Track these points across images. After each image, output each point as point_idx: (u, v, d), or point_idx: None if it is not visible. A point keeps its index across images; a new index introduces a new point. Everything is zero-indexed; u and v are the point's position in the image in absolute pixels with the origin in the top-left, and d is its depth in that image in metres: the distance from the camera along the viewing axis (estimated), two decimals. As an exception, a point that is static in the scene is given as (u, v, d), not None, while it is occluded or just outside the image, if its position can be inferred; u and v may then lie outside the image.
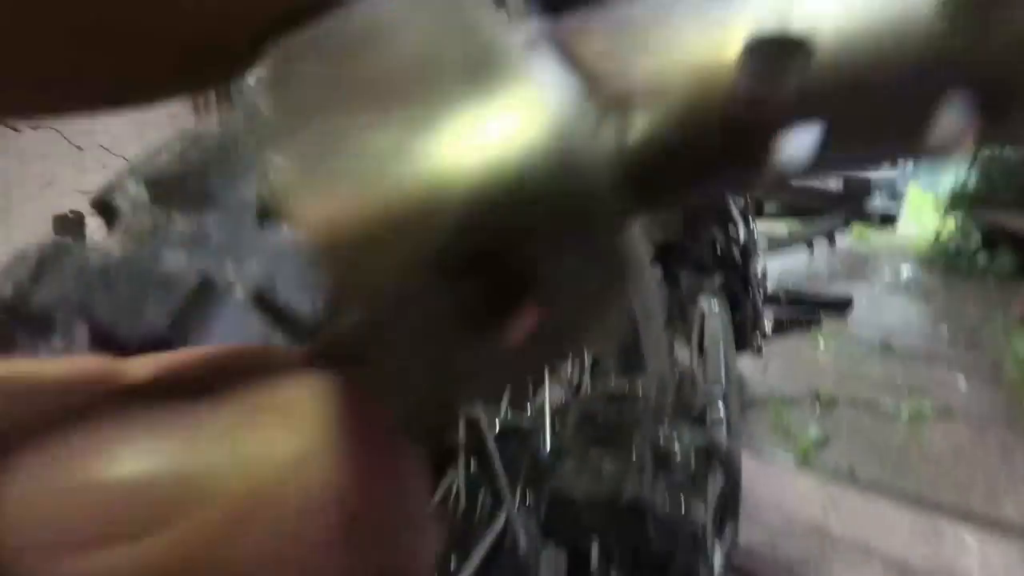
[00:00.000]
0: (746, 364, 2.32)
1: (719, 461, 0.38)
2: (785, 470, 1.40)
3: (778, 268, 3.43)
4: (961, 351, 2.40)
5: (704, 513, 0.36)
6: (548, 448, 0.44)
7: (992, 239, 3.33)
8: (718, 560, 0.45)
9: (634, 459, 0.37)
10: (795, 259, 3.74)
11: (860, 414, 1.92)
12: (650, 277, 0.76)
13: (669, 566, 0.42)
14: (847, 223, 1.65)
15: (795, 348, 2.45)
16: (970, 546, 1.14)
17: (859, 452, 1.69)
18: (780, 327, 1.39)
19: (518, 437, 0.50)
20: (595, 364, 0.78)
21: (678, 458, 0.35)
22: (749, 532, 1.16)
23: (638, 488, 0.34)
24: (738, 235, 0.93)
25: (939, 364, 2.28)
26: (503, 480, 0.42)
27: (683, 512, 0.34)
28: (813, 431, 1.77)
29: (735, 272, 0.91)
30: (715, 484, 0.42)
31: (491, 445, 0.43)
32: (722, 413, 0.55)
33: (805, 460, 1.59)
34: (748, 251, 0.89)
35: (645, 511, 0.34)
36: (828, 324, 2.65)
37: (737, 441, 0.56)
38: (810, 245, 1.64)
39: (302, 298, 0.26)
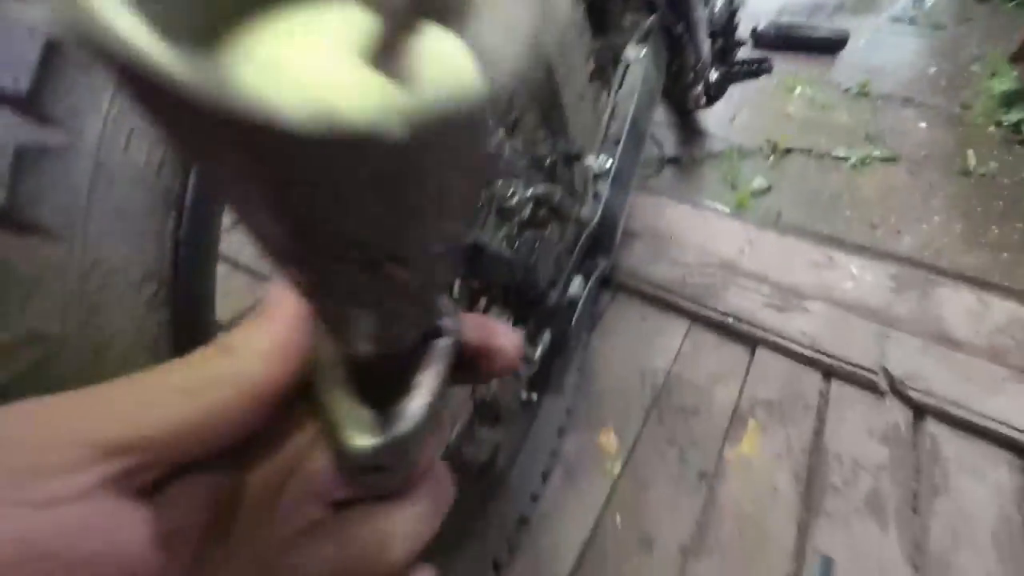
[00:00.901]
0: (714, 116, 2.26)
1: (556, 210, 0.44)
2: (717, 218, 1.53)
3: (778, 1, 2.99)
4: (937, 95, 2.32)
5: (545, 253, 0.43)
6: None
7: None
8: (576, 286, 0.56)
9: (480, 209, 0.42)
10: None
11: (809, 163, 1.98)
12: (572, 24, 0.69)
13: (524, 296, 0.52)
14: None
15: (768, 97, 2.35)
16: (852, 272, 1.35)
17: (793, 199, 1.82)
18: (728, 77, 1.31)
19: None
20: (515, 123, 0.78)
21: (514, 208, 0.41)
22: (670, 271, 1.36)
23: (476, 232, 0.41)
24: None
25: (908, 109, 2.23)
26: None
27: (514, 249, 0.41)
28: (758, 181, 1.87)
29: (677, 12, 0.82)
30: (564, 229, 0.49)
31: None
32: (600, 167, 0.59)
33: (740, 208, 1.73)
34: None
35: (481, 250, 0.41)
36: (810, 69, 2.48)
37: (621, 191, 0.62)
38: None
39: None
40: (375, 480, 0.15)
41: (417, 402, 0.15)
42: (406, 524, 0.16)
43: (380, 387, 0.15)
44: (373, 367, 0.14)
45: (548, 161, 0.46)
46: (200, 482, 0.15)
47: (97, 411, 0.13)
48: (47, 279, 0.21)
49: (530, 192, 0.41)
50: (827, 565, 0.84)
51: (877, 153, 1.94)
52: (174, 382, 0.14)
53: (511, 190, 0.40)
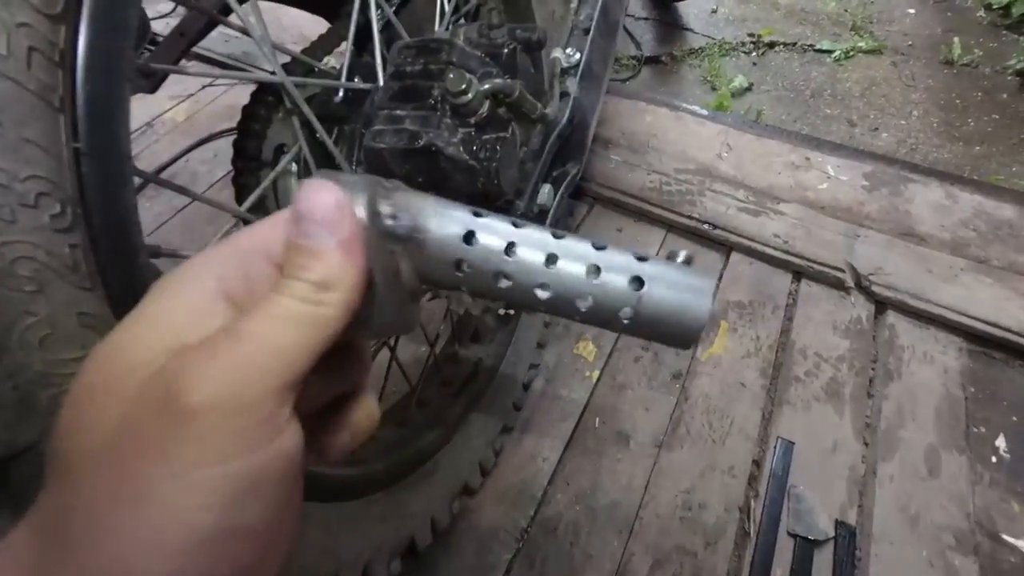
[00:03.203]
0: (695, 7, 2.10)
1: (516, 107, 0.40)
2: (696, 121, 1.48)
3: None
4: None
5: (508, 157, 0.40)
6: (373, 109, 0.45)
7: None
8: (545, 195, 0.53)
9: (431, 109, 0.38)
10: None
11: (793, 58, 1.89)
12: None
13: (489, 206, 0.50)
14: None
15: (753, -16, 2.18)
16: (828, 172, 1.34)
17: (775, 97, 1.76)
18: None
19: (357, 99, 0.50)
20: (478, 10, 0.70)
21: (470, 106, 0.37)
22: (646, 179, 1.33)
23: (431, 135, 0.37)
24: None
25: (900, -8, 2.10)
26: (331, 145, 0.45)
27: (473, 153, 0.38)
28: (739, 80, 1.78)
29: None
30: (528, 130, 0.45)
31: (312, 118, 0.43)
32: (568, 60, 0.53)
33: (720, 108, 1.66)
34: None
35: (437, 155, 0.38)
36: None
37: (592, 88, 0.57)
38: None
39: None
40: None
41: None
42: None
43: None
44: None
45: (506, 51, 0.41)
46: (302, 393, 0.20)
47: (273, 354, 0.17)
48: (-90, 196, 0.18)
49: (486, 86, 0.37)
50: (787, 447, 0.92)
51: (862, 44, 1.86)
52: (306, 318, 0.18)
53: (463, 85, 0.35)
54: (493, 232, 0.21)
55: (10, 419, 0.22)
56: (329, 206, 0.18)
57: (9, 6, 0.20)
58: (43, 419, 0.23)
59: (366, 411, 0.23)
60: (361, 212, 0.20)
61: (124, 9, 0.24)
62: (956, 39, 1.83)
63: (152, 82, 0.53)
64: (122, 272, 0.26)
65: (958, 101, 1.68)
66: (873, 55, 1.85)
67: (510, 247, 0.21)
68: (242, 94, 1.77)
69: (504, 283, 0.21)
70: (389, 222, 0.21)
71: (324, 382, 0.21)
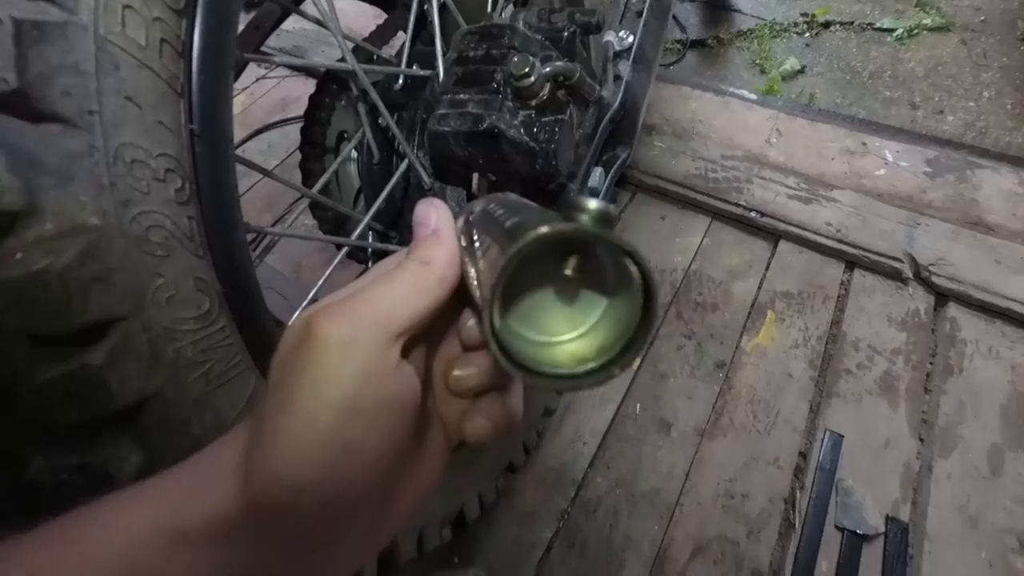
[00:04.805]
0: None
1: (575, 90, 0.41)
2: (744, 106, 1.43)
3: None
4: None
5: (566, 139, 0.41)
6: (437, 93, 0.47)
7: None
8: (596, 178, 0.54)
9: (493, 92, 0.40)
10: None
11: (850, 38, 1.79)
12: None
13: (544, 189, 0.51)
14: None
15: (808, -40, 2.07)
16: (886, 158, 1.28)
17: (829, 80, 1.68)
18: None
19: (415, 86, 0.52)
20: None
21: (532, 88, 0.38)
22: (691, 166, 1.30)
23: (494, 118, 0.39)
24: None
25: (971, -36, 1.95)
26: (396, 130, 0.47)
27: (533, 135, 0.39)
28: (791, 62, 1.71)
29: None
30: (583, 113, 0.46)
31: (379, 103, 0.45)
32: (621, 43, 0.53)
33: (769, 93, 1.60)
34: None
35: (499, 137, 0.39)
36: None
37: (644, 71, 0.57)
38: None
39: None
40: None
41: None
42: None
43: None
44: None
45: (566, 35, 0.42)
46: (420, 347, 0.25)
47: (385, 308, 0.22)
48: (75, 170, 0.21)
49: (547, 69, 0.38)
50: (835, 440, 0.89)
51: (927, 22, 1.74)
52: (412, 284, 0.23)
53: (526, 68, 0.37)
54: None
55: (142, 368, 0.25)
56: (425, 208, 0.25)
57: (147, 2, 0.23)
58: (168, 369, 0.26)
59: (505, 403, 0.26)
60: (456, 218, 0.25)
61: (231, 4, 0.27)
62: (1036, 13, 1.69)
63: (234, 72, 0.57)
64: (225, 243, 0.29)
65: (1036, 81, 1.56)
66: (940, 33, 1.73)
67: None
68: (293, 88, 1.83)
69: None
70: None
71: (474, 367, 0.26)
